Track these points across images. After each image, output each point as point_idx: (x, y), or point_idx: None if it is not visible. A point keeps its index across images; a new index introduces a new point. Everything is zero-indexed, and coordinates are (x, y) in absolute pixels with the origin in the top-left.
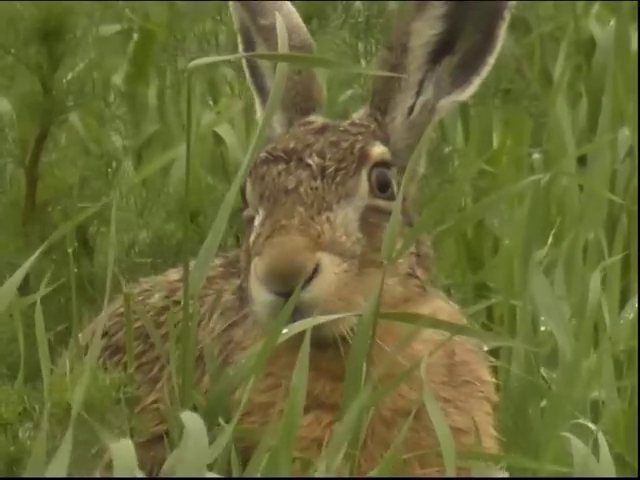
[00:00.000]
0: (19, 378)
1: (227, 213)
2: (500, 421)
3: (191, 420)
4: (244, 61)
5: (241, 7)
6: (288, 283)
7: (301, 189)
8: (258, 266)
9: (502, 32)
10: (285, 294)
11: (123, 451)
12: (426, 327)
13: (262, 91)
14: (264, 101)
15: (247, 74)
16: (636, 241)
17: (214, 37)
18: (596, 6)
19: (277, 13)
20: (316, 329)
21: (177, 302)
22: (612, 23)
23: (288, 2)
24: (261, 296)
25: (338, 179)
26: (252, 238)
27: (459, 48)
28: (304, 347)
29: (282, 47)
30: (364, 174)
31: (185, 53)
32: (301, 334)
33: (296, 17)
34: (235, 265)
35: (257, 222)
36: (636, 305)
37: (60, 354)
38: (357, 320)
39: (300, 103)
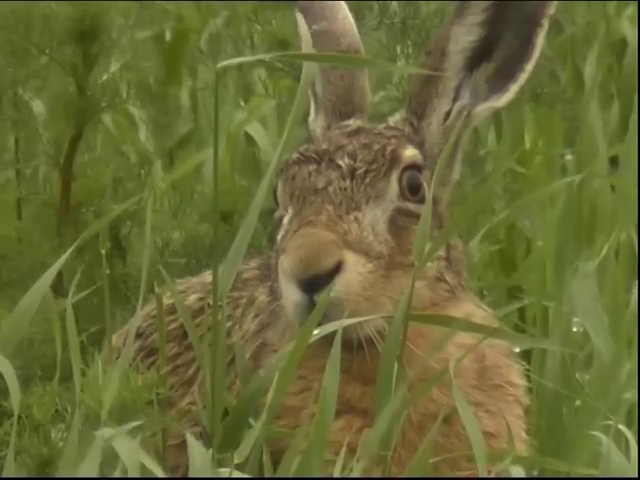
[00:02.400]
0: (54, 380)
1: (257, 211)
2: (533, 423)
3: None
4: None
5: (300, 14)
6: (310, 269)
7: (330, 189)
8: (284, 260)
9: (540, 40)
10: (309, 286)
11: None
12: (458, 329)
13: (316, 97)
14: (317, 107)
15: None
16: None
17: (249, 38)
18: (629, 8)
19: (299, 16)
20: (342, 330)
21: None
22: None
23: (346, 7)
24: (288, 293)
25: (368, 180)
26: (280, 236)
27: (497, 55)
28: (334, 349)
29: (306, 47)
30: (394, 176)
31: (220, 54)
32: (329, 335)
33: (350, 22)
34: (269, 267)
35: (285, 220)
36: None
37: (93, 355)
38: (385, 322)
39: (340, 107)
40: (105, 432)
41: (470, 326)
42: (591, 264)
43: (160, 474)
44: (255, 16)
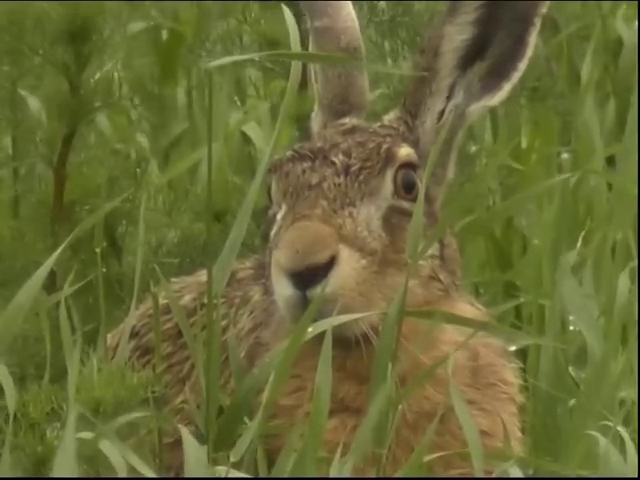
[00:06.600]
0: (45, 378)
1: (250, 209)
2: (528, 422)
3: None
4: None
5: (305, 11)
6: (306, 260)
7: (324, 184)
8: (278, 253)
9: (533, 38)
10: (302, 281)
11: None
12: (452, 324)
13: (318, 94)
14: (318, 104)
15: (312, 79)
16: None
17: (238, 37)
18: (623, 6)
19: (287, 12)
20: (336, 327)
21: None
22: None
23: (350, 3)
24: (281, 288)
25: (362, 177)
26: (273, 232)
27: (490, 54)
28: (326, 345)
29: (294, 46)
30: (389, 175)
31: (210, 53)
32: (323, 332)
33: (352, 19)
34: (263, 266)
35: (279, 216)
36: None
37: (88, 354)
38: (379, 319)
39: (336, 105)
40: (98, 431)
41: (464, 322)
42: (586, 262)
43: (149, 474)
44: (244, 15)
